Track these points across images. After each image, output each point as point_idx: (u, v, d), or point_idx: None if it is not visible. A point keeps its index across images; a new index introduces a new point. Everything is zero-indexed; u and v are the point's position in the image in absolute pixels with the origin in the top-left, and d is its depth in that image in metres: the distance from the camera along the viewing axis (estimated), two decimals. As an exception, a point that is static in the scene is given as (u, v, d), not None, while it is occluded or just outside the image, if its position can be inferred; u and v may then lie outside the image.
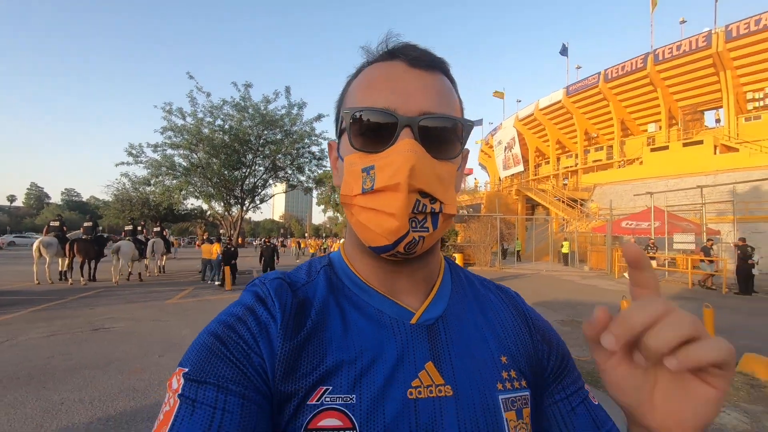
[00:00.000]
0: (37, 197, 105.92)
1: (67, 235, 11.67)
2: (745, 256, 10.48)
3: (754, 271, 10.86)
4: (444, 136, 0.51)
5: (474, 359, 0.54)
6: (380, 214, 0.48)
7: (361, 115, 0.50)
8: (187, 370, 0.46)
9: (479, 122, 51.04)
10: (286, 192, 17.58)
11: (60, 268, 11.79)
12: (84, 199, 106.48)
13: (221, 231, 26.51)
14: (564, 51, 39.51)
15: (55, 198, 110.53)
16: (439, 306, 0.58)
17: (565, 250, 19.92)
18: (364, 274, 0.58)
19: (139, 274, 12.88)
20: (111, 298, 8.93)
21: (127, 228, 13.10)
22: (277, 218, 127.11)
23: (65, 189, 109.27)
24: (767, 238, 19.54)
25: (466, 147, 0.57)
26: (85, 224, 11.98)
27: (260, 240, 15.47)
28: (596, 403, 0.60)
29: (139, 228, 13.36)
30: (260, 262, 13.43)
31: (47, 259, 10.94)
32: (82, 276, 11.41)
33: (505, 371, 0.55)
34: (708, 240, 13.38)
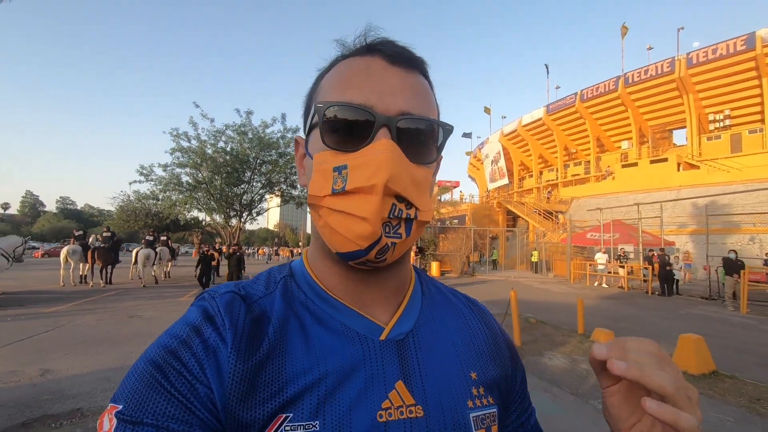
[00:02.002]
0: (32, 205, 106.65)
1: (64, 245, 13.38)
2: (663, 263, 12.44)
3: (677, 276, 12.80)
4: (422, 139, 0.49)
5: (444, 376, 0.51)
6: (351, 218, 0.44)
7: (335, 111, 0.46)
8: (120, 407, 0.40)
9: (469, 134, 53.44)
10: (279, 206, 19.42)
11: (81, 273, 13.48)
12: (79, 208, 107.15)
13: (218, 240, 28.53)
14: (546, 70, 42.02)
15: (50, 206, 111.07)
16: (410, 320, 0.54)
17: (534, 258, 21.82)
18: (329, 285, 0.53)
19: (154, 277, 14.68)
20: (131, 297, 10.62)
21: (148, 238, 14.83)
22: (272, 227, 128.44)
23: (60, 197, 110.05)
24: (719, 249, 21.56)
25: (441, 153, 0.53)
26: (104, 234, 13.73)
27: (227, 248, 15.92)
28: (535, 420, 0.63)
29: (152, 238, 15.12)
30: (196, 272, 12.79)
31: (72, 264, 12.66)
32: (101, 279, 13.15)
33: (475, 388, 0.53)
34: (650, 251, 15.29)
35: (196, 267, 12.90)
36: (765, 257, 17.04)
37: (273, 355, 0.46)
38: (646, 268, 13.75)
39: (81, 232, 13.28)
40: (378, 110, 0.46)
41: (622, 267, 15.41)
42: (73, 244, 12.82)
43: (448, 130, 0.51)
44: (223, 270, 14.41)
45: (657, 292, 12.85)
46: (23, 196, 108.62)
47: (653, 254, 15.14)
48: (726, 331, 7.44)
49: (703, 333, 7.13)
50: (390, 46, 0.50)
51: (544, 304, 10.50)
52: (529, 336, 6.67)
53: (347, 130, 0.47)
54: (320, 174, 0.48)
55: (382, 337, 0.51)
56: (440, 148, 0.52)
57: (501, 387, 0.57)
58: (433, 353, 0.53)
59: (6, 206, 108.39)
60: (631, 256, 15.98)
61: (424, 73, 0.53)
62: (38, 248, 40.41)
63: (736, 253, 10.64)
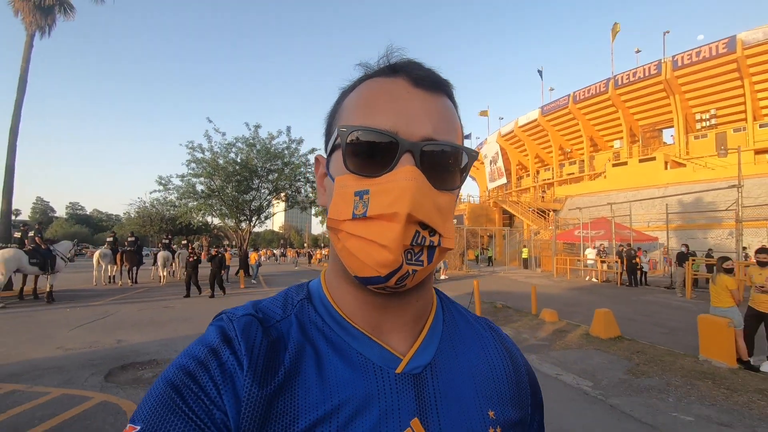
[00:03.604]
0: (43, 211, 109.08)
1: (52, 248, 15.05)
2: (629, 257, 13.89)
3: (645, 269, 14.25)
4: (447, 165, 0.48)
5: (462, 414, 0.49)
6: (372, 245, 0.44)
7: (359, 135, 0.46)
8: (138, 428, 0.41)
9: (467, 135, 54.78)
10: (285, 210, 21.05)
11: (109, 273, 15.15)
12: (88, 212, 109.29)
13: (225, 242, 30.29)
14: (540, 74, 43.35)
15: (60, 212, 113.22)
16: (429, 351, 0.52)
17: (524, 255, 23.23)
18: (346, 309, 0.52)
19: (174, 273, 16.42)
20: (158, 293, 12.22)
21: (164, 241, 16.54)
22: (277, 229, 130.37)
23: (70, 203, 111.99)
24: (699, 243, 22.80)
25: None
26: (129, 239, 15.43)
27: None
28: None
29: (168, 241, 16.83)
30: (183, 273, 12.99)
31: (103, 266, 14.33)
32: (129, 279, 14.83)
33: (492, 427, 0.51)
34: (620, 246, 16.65)
35: (186, 267, 12.20)
36: (744, 251, 18.43)
37: (288, 384, 0.45)
38: (616, 262, 15.17)
39: (112, 239, 14.93)
40: (402, 135, 0.45)
41: (603, 262, 16.78)
42: (106, 248, 14.53)
43: (473, 155, 0.50)
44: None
45: (626, 284, 14.27)
46: (34, 202, 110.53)
47: (623, 249, 16.57)
48: (658, 312, 8.92)
49: (639, 313, 8.70)
50: (414, 68, 0.50)
51: (518, 294, 11.96)
52: (492, 317, 8.17)
53: (370, 155, 0.46)
54: (341, 197, 0.47)
55: (399, 369, 0.49)
56: (465, 174, 0.50)
57: (517, 429, 0.54)
58: (451, 388, 0.51)
59: (17, 212, 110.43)
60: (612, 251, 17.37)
61: (450, 95, 0.52)
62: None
63: (687, 246, 12.06)
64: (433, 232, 0.46)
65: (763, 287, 4.96)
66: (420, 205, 0.43)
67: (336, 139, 0.50)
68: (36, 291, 10.51)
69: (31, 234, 10.23)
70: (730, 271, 5.31)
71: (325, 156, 0.55)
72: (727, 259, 5.39)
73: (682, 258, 11.47)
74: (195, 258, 11.75)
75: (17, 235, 10.47)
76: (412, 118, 0.46)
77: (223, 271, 11.81)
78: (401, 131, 0.46)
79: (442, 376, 0.51)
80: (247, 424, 0.42)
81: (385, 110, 0.47)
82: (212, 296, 11.33)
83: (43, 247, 10.13)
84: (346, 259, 0.47)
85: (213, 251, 12.54)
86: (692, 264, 11.25)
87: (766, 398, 3.97)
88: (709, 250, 15.53)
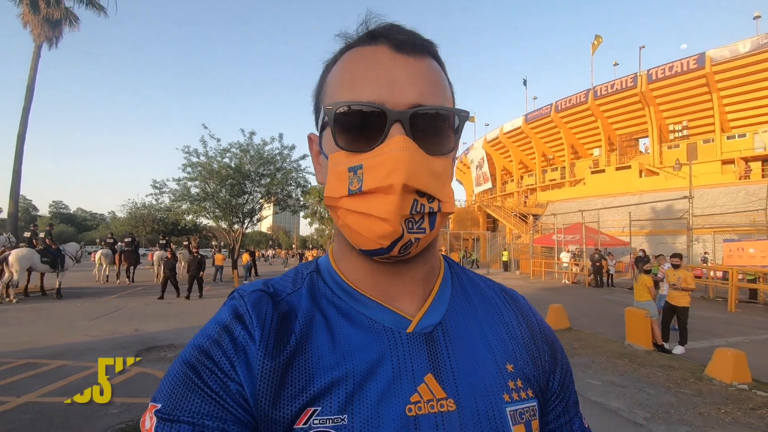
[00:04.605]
0: (25, 209, 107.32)
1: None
2: (593, 260, 15.18)
3: (612, 271, 15.51)
4: (438, 130, 0.47)
5: (477, 368, 0.50)
6: (370, 218, 0.44)
7: (345, 111, 0.45)
8: (159, 406, 0.43)
9: (466, 114, 55.81)
10: (277, 213, 21.96)
11: (108, 272, 15.86)
12: (72, 211, 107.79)
13: (213, 243, 31.14)
14: (524, 83, 44.90)
15: (43, 210, 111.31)
16: (438, 311, 0.53)
17: (504, 258, 24.45)
18: (353, 279, 0.53)
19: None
20: (158, 290, 13.05)
21: (161, 242, 17.33)
22: (264, 230, 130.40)
23: (53, 201, 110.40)
24: (668, 248, 24.23)
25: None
26: (126, 240, 16.18)
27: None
28: (587, 426, 0.59)
29: (165, 242, 17.63)
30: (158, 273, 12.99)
31: (104, 265, 15.08)
32: (126, 277, 15.60)
33: (512, 380, 0.51)
34: (595, 251, 17.92)
35: (164, 268, 12.32)
36: (703, 255, 19.87)
37: (300, 351, 0.46)
38: (577, 264, 16.44)
39: (111, 240, 15.68)
40: (389, 105, 0.45)
41: (577, 264, 18.03)
42: (104, 248, 15.30)
43: (464, 116, 0.49)
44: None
45: (593, 285, 15.51)
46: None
47: (594, 253, 17.87)
48: (612, 309, 10.06)
49: (595, 310, 9.85)
50: (394, 32, 0.48)
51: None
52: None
53: (359, 129, 0.46)
54: (335, 176, 0.47)
55: (409, 329, 0.50)
56: (458, 135, 0.50)
57: (540, 383, 0.54)
58: (465, 345, 0.51)
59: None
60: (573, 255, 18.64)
61: (435, 56, 0.51)
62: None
63: (645, 251, 13.31)
64: (431, 198, 0.46)
65: (674, 285, 6.09)
66: (414, 174, 0.43)
67: (324, 117, 0.50)
68: (43, 288, 11.27)
69: (41, 235, 11.01)
70: (648, 272, 6.45)
71: (317, 134, 0.55)
72: (647, 261, 6.53)
73: (639, 262, 12.69)
74: (172, 258, 11.88)
75: (27, 234, 11.22)
76: (397, 86, 0.46)
77: (202, 273, 11.73)
78: (387, 101, 0.45)
79: (453, 333, 0.52)
80: (264, 392, 0.44)
81: (369, 81, 0.46)
82: (188, 297, 11.06)
83: (53, 246, 10.92)
84: (348, 234, 0.48)
85: (194, 252, 12.34)
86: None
87: (664, 371, 5.06)
88: (660, 255, 16.87)
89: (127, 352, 5.53)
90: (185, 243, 18.30)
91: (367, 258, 0.50)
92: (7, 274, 9.73)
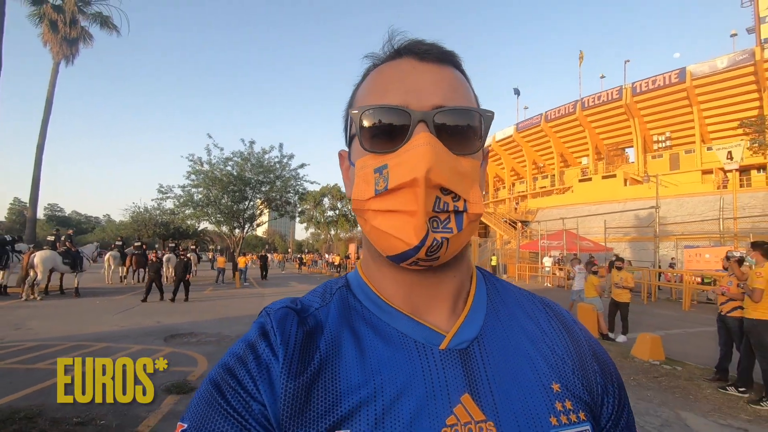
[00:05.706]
0: (19, 212, 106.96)
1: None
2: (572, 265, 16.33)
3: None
4: (462, 130, 0.47)
5: (519, 388, 0.46)
6: (396, 215, 0.44)
7: (371, 115, 0.47)
8: (185, 426, 0.44)
9: (491, 114, 57.13)
10: (275, 219, 23.10)
11: (119, 274, 16.82)
12: (67, 214, 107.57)
13: (211, 247, 32.33)
14: (516, 92, 46.32)
15: (39, 213, 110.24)
16: (474, 325, 0.50)
17: (493, 263, 25.55)
18: (384, 291, 0.52)
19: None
20: (168, 291, 14.05)
21: (170, 245, 18.36)
22: (260, 233, 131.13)
23: (48, 204, 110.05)
24: (649, 254, 25.43)
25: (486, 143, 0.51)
26: (136, 243, 17.19)
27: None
28: None
29: (174, 245, 18.67)
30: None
31: (113, 267, 16.07)
32: (133, 279, 16.60)
33: (559, 402, 0.47)
34: (573, 256, 19.09)
35: (149, 271, 12.15)
36: (671, 260, 21.12)
37: (325, 368, 0.45)
38: (561, 269, 17.60)
39: (120, 243, 16.67)
40: (413, 107, 0.46)
41: (561, 269, 19.17)
42: (114, 251, 16.33)
43: (489, 116, 0.49)
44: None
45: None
46: (11, 203, 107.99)
47: (574, 258, 19.08)
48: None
49: (565, 307, 10.93)
50: (418, 46, 0.50)
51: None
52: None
53: (385, 132, 0.46)
54: (361, 178, 0.47)
55: (443, 345, 0.47)
56: (484, 137, 0.49)
57: (591, 407, 0.50)
58: (504, 362, 0.48)
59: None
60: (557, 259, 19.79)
61: (458, 66, 0.52)
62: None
63: (617, 256, 14.46)
64: (456, 197, 0.45)
65: (617, 284, 7.22)
66: (437, 168, 0.43)
67: (351, 126, 0.51)
68: (62, 287, 12.26)
69: (62, 239, 12.05)
70: (596, 273, 7.59)
71: (347, 150, 0.56)
72: (594, 264, 7.65)
73: (612, 266, 13.89)
74: (158, 260, 12.05)
75: (50, 238, 12.22)
76: (422, 91, 0.47)
77: (188, 276, 11.85)
78: (412, 104, 0.46)
79: (491, 350, 0.49)
80: (287, 411, 0.42)
81: (395, 89, 0.48)
82: (173, 300, 11.22)
83: (73, 249, 11.95)
84: (375, 239, 0.48)
85: (181, 255, 12.69)
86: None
87: (601, 354, 6.15)
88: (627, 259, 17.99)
89: (157, 337, 6.57)
90: (192, 247, 19.37)
91: (397, 268, 0.49)
92: (32, 274, 10.72)
